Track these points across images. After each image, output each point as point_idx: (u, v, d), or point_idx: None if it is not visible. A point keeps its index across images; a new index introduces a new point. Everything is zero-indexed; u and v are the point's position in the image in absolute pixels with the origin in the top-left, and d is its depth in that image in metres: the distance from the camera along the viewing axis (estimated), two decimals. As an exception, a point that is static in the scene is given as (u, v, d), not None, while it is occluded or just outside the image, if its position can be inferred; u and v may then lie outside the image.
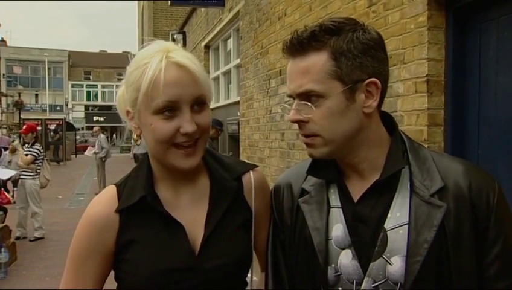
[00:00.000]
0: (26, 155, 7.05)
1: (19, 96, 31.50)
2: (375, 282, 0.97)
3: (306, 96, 0.96)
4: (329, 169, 1.06)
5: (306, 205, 1.07)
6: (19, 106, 30.48)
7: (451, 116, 2.30)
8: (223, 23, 7.13)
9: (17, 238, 6.99)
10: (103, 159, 12.13)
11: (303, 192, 1.10)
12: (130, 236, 1.06)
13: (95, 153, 12.34)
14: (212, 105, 8.48)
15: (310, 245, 1.04)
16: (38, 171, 7.20)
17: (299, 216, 1.08)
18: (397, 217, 0.96)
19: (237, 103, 6.14)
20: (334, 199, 1.05)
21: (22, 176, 7.18)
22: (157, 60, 0.98)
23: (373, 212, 0.99)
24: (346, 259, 1.00)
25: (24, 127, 7.90)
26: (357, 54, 0.94)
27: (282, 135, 4.41)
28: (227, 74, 7.71)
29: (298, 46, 0.97)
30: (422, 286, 0.91)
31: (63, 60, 47.35)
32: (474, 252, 0.94)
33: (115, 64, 45.44)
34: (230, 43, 7.41)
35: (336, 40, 0.94)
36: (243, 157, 5.69)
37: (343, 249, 1.01)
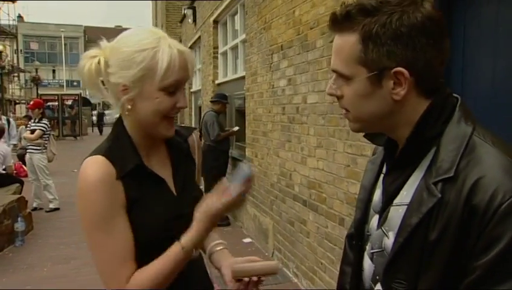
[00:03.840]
0: (33, 131, 7.26)
1: (36, 72, 31.47)
2: (372, 249, 1.03)
3: (338, 74, 0.97)
4: (381, 137, 1.09)
5: (370, 164, 1.18)
6: (36, 81, 30.57)
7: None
8: (230, -2, 7.14)
9: (34, 209, 7.34)
10: None
11: (374, 153, 1.20)
12: (132, 196, 1.19)
13: None
14: (221, 80, 8.57)
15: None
16: (46, 145, 7.43)
17: None
18: (403, 195, 0.97)
19: (243, 77, 6.20)
20: (386, 166, 1.09)
21: (29, 150, 7.42)
22: (166, 46, 1.17)
23: (391, 186, 1.01)
24: (375, 223, 1.05)
25: (31, 102, 8.14)
26: (385, 40, 0.88)
27: (283, 109, 4.50)
28: (234, 48, 7.73)
29: (335, 23, 0.95)
30: (403, 262, 0.93)
31: (78, 36, 47.48)
32: (458, 251, 0.84)
33: (129, 39, 45.27)
34: (237, 18, 7.42)
35: (368, 23, 0.89)
36: (248, 132, 5.79)
37: (376, 213, 1.07)
